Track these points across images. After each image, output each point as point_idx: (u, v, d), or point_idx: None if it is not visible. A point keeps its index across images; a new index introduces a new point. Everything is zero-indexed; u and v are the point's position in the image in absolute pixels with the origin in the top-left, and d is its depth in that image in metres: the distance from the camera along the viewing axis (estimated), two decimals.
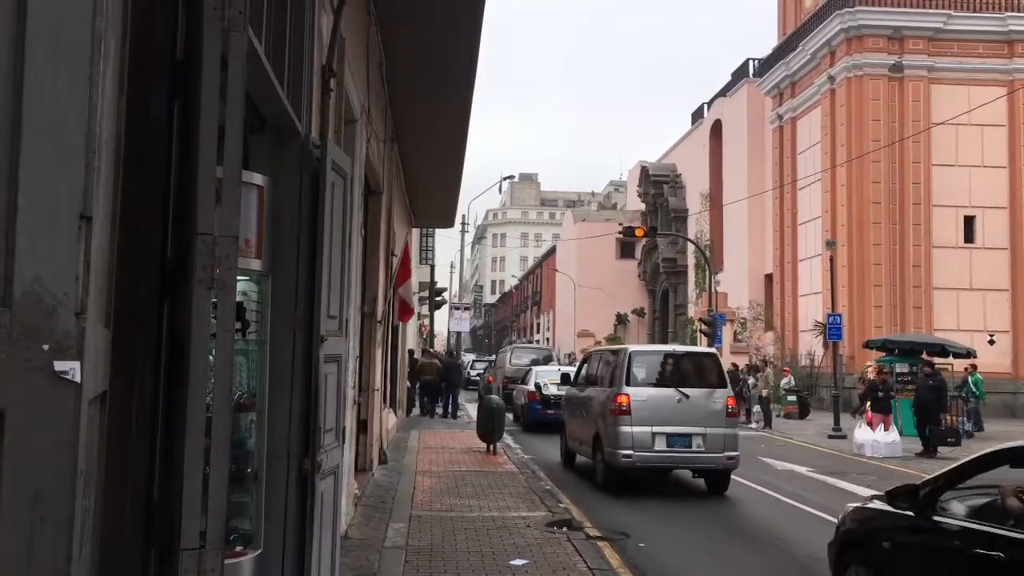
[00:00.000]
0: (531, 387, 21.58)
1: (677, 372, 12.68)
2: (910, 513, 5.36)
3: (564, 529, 8.73)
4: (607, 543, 8.45)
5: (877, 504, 5.95)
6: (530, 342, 68.20)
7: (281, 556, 4.04)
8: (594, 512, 10.23)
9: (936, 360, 22.63)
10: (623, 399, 11.90)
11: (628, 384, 12.11)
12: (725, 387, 12.52)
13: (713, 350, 15.78)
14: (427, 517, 9.14)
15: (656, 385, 12.37)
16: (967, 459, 5.63)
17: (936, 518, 5.11)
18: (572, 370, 18.03)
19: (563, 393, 16.88)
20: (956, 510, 5.16)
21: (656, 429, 11.83)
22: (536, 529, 8.65)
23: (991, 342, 29.65)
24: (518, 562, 7.27)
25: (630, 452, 11.75)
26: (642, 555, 8.20)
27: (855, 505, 6.45)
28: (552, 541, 8.13)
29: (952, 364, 23.70)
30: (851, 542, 6.10)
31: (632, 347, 13.91)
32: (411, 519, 8.99)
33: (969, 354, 23.06)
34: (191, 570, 2.50)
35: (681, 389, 12.13)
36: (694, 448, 11.94)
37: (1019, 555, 4.30)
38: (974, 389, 22.59)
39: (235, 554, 3.90)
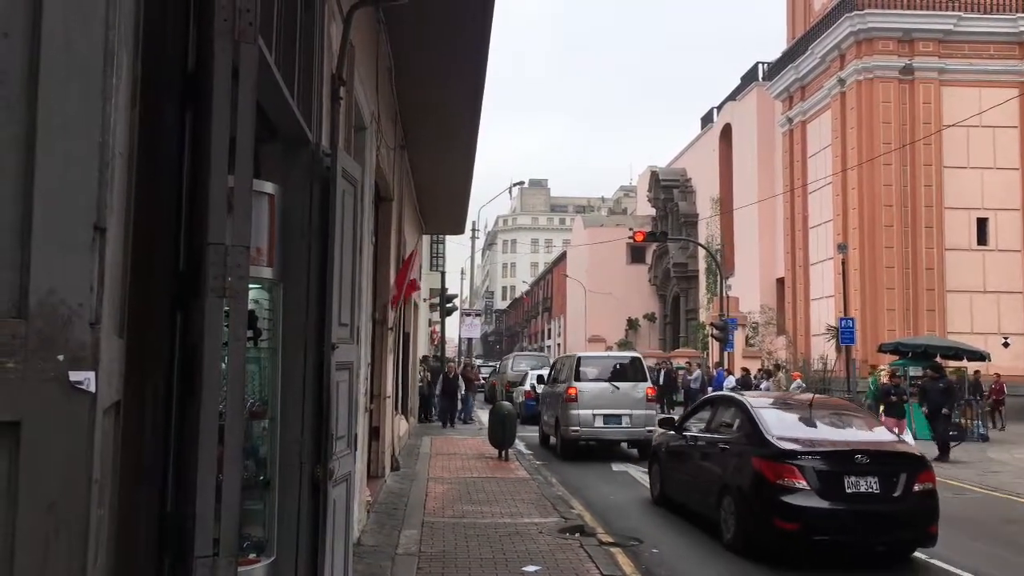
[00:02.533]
0: (527, 387, 25.79)
1: (612, 370, 17.14)
2: (672, 432, 11.10)
3: (577, 535, 8.71)
4: (620, 549, 8.43)
5: (662, 430, 11.67)
6: (540, 350, 68.59)
7: (294, 563, 4.05)
8: (607, 518, 10.21)
9: (950, 363, 22.49)
10: (572, 390, 16.33)
11: (577, 380, 16.59)
12: (646, 381, 16.98)
13: (638, 354, 20.12)
14: (439, 524, 9.14)
15: (597, 380, 16.73)
16: (695, 404, 12.41)
17: (683, 432, 10.71)
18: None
19: None
20: (688, 428, 10.78)
21: (596, 411, 16.20)
22: (549, 535, 8.63)
23: (1005, 344, 29.45)
24: (531, 568, 7.26)
25: (577, 428, 16.20)
26: (655, 561, 8.17)
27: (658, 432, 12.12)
28: (565, 547, 8.11)
29: (967, 366, 23.56)
30: (652, 452, 11.88)
31: (580, 353, 19.76)
32: (423, 526, 8.99)
33: (983, 357, 22.91)
34: None
35: (614, 383, 16.66)
36: (623, 425, 16.31)
37: (700, 441, 10.13)
38: (873, 390, 22.82)
39: (248, 561, 3.91)
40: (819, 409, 9.43)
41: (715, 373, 30.91)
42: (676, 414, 26.50)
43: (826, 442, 8.53)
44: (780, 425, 8.79)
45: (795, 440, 8.42)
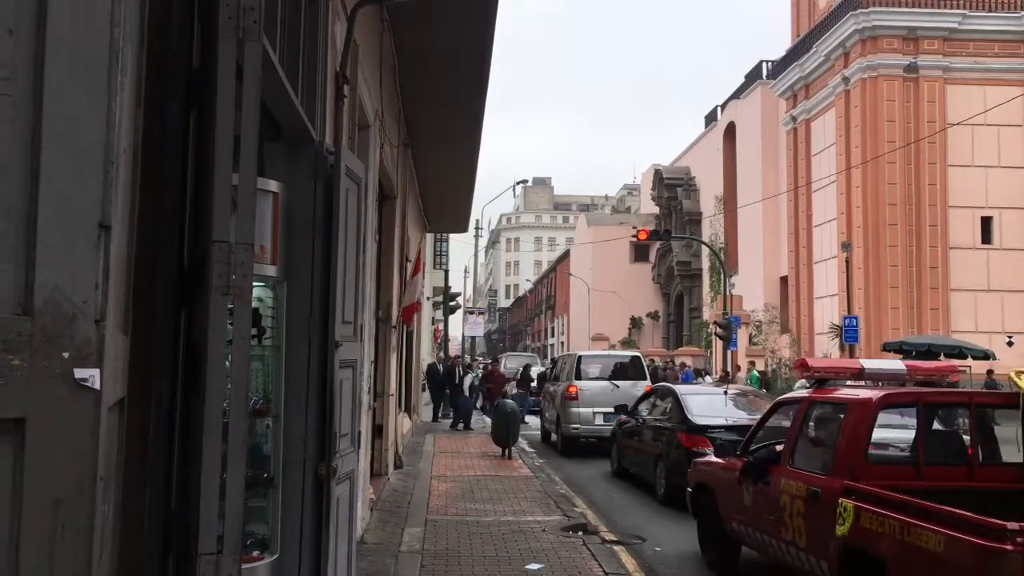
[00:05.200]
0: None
1: (612, 369, 17.57)
2: (628, 416, 13.37)
3: (579, 533, 8.71)
4: (622, 547, 8.43)
5: (621, 416, 13.78)
6: (543, 348, 68.68)
7: (297, 561, 4.06)
8: (610, 516, 10.21)
9: (954, 363, 22.43)
10: (573, 389, 16.75)
11: (577, 378, 17.00)
12: (645, 379, 17.13)
13: (638, 353, 20.58)
14: (443, 521, 9.15)
15: (597, 379, 17.14)
16: (643, 393, 14.11)
17: (635, 416, 13.04)
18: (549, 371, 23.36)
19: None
20: (639, 413, 13.06)
21: (596, 409, 16.43)
22: (551, 533, 8.63)
23: (1010, 343, 29.37)
24: (534, 567, 7.26)
25: (578, 426, 16.63)
26: (658, 559, 8.18)
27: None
28: (567, 545, 8.12)
29: (970, 366, 23.49)
30: (612, 434, 14.18)
31: (580, 352, 20.04)
32: (427, 523, 9.00)
33: (987, 356, 22.86)
34: (208, 575, 2.52)
35: (614, 381, 17.00)
36: None
37: (644, 423, 12.48)
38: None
39: (252, 559, 3.92)
40: (733, 396, 12.13)
41: (680, 375, 31.09)
42: None
43: (731, 419, 10.86)
44: (700, 408, 11.36)
45: (709, 418, 10.92)
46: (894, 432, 7.61)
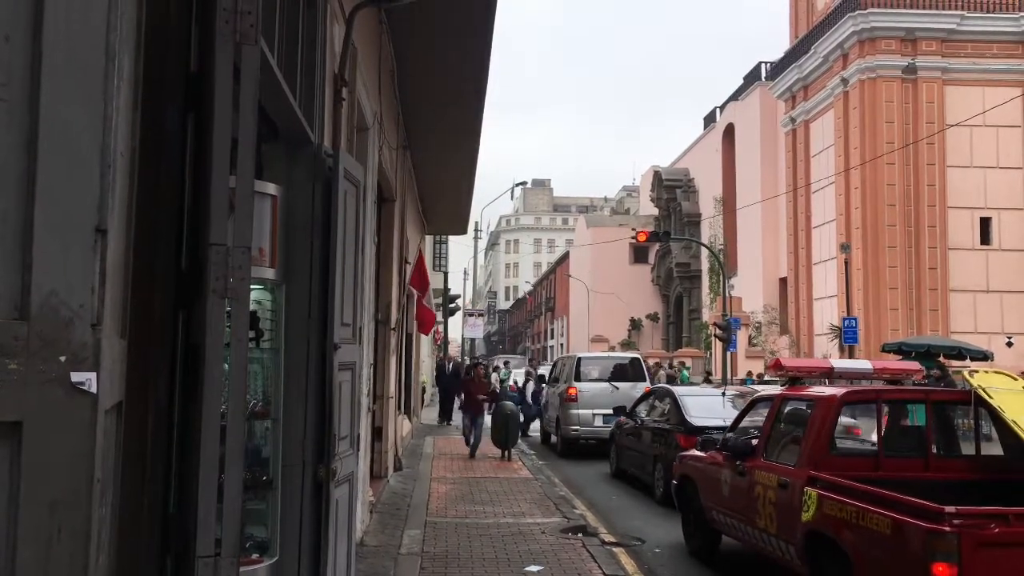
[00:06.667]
0: (512, 382, 28.00)
1: (611, 370, 17.63)
2: (626, 417, 13.71)
3: (579, 535, 8.71)
4: (622, 549, 8.43)
5: (620, 416, 14.06)
6: (543, 350, 68.68)
7: (297, 563, 4.05)
8: (609, 518, 10.21)
9: (953, 363, 22.44)
10: (572, 391, 16.79)
11: (577, 380, 17.02)
12: (645, 381, 17.20)
13: (637, 355, 20.56)
14: (442, 524, 9.14)
15: (596, 380, 17.19)
16: (642, 394, 14.46)
17: (634, 418, 13.33)
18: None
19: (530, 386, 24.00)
20: (637, 414, 13.40)
21: (595, 411, 16.49)
22: (551, 535, 8.63)
23: (1009, 344, 29.39)
24: (533, 568, 7.26)
25: (577, 427, 16.68)
26: (657, 560, 8.17)
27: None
28: (567, 547, 8.12)
29: (969, 367, 23.46)
30: (611, 434, 14.46)
31: (580, 354, 20.08)
32: (426, 526, 9.00)
33: (986, 356, 22.83)
34: None
35: (613, 383, 17.07)
36: None
37: (643, 424, 12.75)
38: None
39: (251, 561, 3.91)
40: (731, 398, 12.39)
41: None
42: None
43: (728, 420, 10.59)
44: (697, 409, 11.67)
45: (705, 419, 11.08)
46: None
